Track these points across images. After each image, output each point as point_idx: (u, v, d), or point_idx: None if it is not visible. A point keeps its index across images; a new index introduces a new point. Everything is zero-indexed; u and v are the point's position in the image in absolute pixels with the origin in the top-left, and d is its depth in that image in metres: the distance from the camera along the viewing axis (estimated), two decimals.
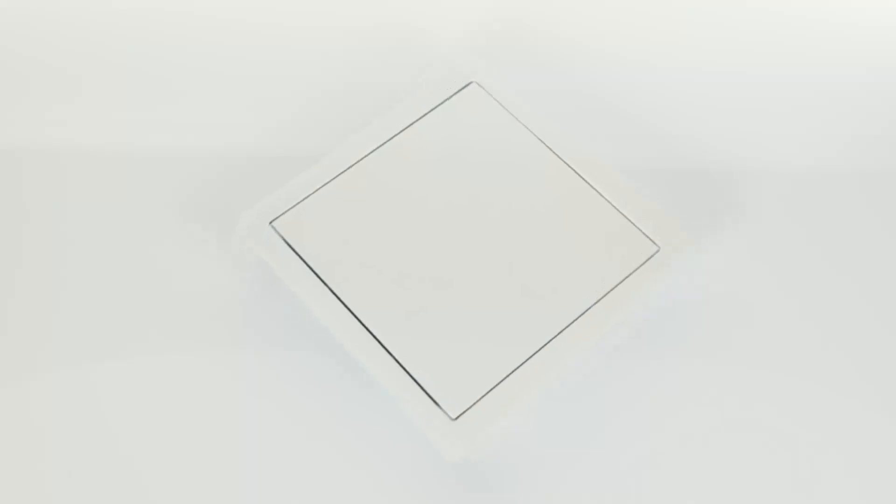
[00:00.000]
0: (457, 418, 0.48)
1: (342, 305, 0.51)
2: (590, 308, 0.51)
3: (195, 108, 0.62)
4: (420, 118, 0.57)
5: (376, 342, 0.50)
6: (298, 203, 0.54)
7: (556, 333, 0.50)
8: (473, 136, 0.56)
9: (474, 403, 0.48)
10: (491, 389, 0.49)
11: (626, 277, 0.52)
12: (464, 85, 0.58)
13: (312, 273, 0.52)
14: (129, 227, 0.57)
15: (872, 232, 0.58)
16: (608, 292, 0.51)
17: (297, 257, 0.52)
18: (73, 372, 0.53)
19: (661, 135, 0.61)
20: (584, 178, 0.54)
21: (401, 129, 0.56)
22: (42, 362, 0.53)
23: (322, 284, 0.52)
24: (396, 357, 0.50)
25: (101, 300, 0.55)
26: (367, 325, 0.50)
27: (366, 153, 0.56)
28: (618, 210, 0.53)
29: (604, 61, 0.64)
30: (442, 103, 0.57)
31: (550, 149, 0.55)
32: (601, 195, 0.54)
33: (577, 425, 0.52)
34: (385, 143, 0.56)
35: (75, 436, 0.51)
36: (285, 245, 0.53)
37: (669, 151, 0.61)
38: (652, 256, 0.52)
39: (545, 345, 0.50)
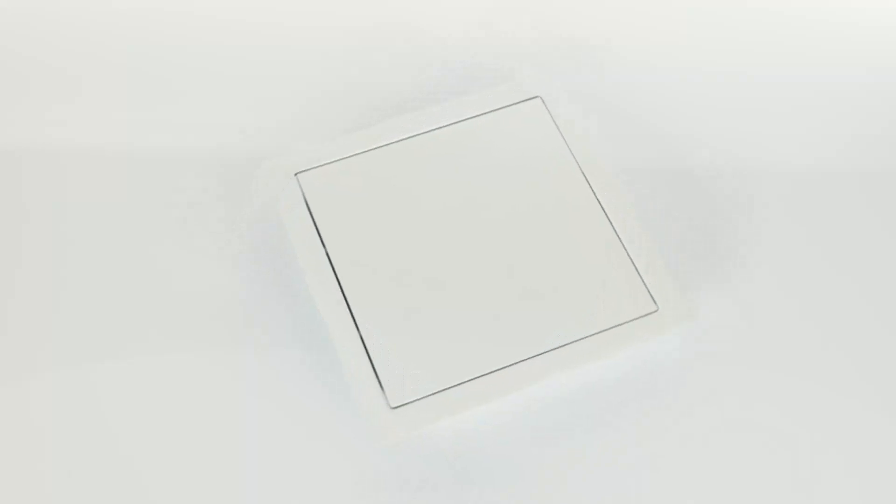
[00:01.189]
0: (395, 408, 0.49)
1: (332, 273, 0.52)
2: (568, 344, 0.50)
3: (195, 108, 0.62)
4: (473, 117, 0.56)
5: (350, 315, 0.51)
6: (327, 164, 0.55)
7: (526, 357, 0.50)
8: (517, 147, 0.55)
9: (418, 399, 0.49)
10: (440, 391, 0.49)
11: (614, 326, 0.51)
12: (528, 97, 0.57)
13: (317, 235, 0.52)
14: (129, 227, 0.57)
15: (872, 232, 0.58)
16: (591, 335, 0.50)
17: (309, 215, 0.53)
18: (73, 372, 0.53)
19: (661, 135, 0.61)
20: (608, 218, 0.53)
21: (450, 122, 0.56)
22: (42, 362, 0.53)
23: (322, 249, 0.52)
24: (362, 334, 0.50)
25: (101, 300, 0.55)
26: (347, 298, 0.51)
27: (407, 135, 0.56)
28: (630, 258, 0.52)
29: (603, 61, 0.64)
30: (500, 109, 0.57)
31: (588, 180, 0.54)
32: (620, 239, 0.53)
33: (577, 425, 0.52)
34: (430, 130, 0.56)
35: (75, 436, 0.51)
36: (302, 200, 0.53)
37: (669, 151, 0.61)
38: (647, 315, 0.51)
39: (511, 365, 0.49)
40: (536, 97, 0.57)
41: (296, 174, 0.55)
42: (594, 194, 0.54)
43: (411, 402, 0.49)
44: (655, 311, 0.51)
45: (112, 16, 0.65)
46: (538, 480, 0.51)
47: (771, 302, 0.56)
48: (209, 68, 0.63)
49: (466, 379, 0.49)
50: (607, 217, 0.53)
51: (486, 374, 0.49)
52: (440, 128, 0.56)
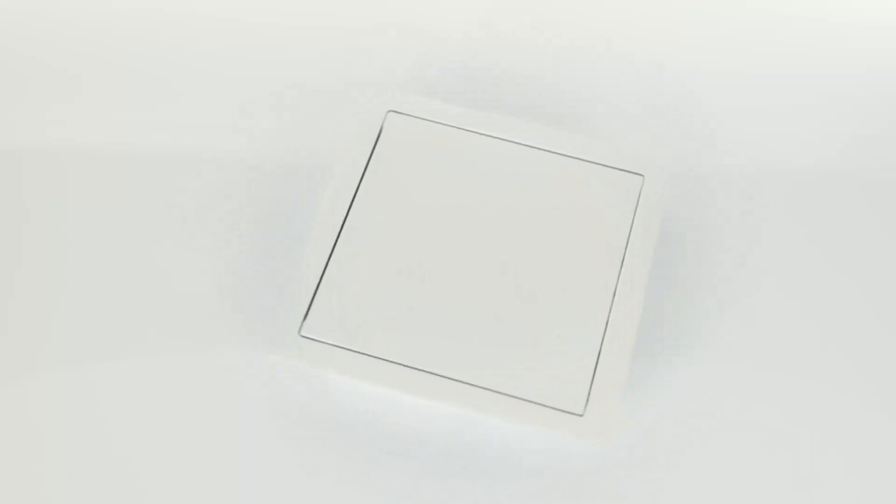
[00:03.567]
0: (302, 337, 0.49)
1: (348, 206, 0.52)
2: (485, 389, 0.48)
3: (195, 108, 0.62)
4: (571, 156, 0.54)
5: (331, 246, 0.51)
6: (420, 118, 0.55)
7: (445, 375, 0.49)
8: (587, 203, 0.53)
9: (326, 343, 0.49)
10: (350, 350, 0.49)
11: (535, 402, 0.48)
12: (633, 171, 0.54)
13: (363, 170, 0.53)
14: (129, 227, 0.57)
15: (872, 232, 0.58)
16: (512, 395, 0.48)
17: (370, 150, 0.54)
18: (73, 372, 0.53)
19: (660, 134, 0.61)
20: (610, 311, 0.50)
21: (549, 148, 0.55)
22: (42, 362, 0.53)
23: (356, 183, 0.53)
24: (328, 265, 0.51)
25: (101, 300, 0.55)
26: (342, 232, 0.52)
27: (504, 137, 0.55)
28: (598, 356, 0.49)
29: (604, 61, 0.64)
30: (601, 164, 0.54)
31: (620, 269, 0.52)
32: (604, 335, 0.50)
33: None
34: (526, 144, 0.55)
35: (75, 436, 0.51)
36: (376, 135, 0.54)
37: (669, 152, 0.61)
38: (568, 413, 0.48)
39: (429, 373, 0.49)
40: (641, 175, 0.54)
41: (388, 111, 0.55)
42: (616, 283, 0.51)
43: (318, 342, 0.49)
44: (579, 416, 0.48)
45: (112, 16, 0.65)
46: (535, 479, 0.51)
47: (771, 302, 0.56)
48: (209, 68, 0.63)
49: (382, 357, 0.49)
50: (610, 309, 0.51)
51: (401, 364, 0.49)
52: (536, 147, 0.55)
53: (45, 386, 0.53)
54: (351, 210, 0.53)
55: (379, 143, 0.54)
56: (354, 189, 0.53)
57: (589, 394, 0.49)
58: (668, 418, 0.52)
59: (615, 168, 0.54)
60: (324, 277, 0.51)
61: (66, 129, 0.61)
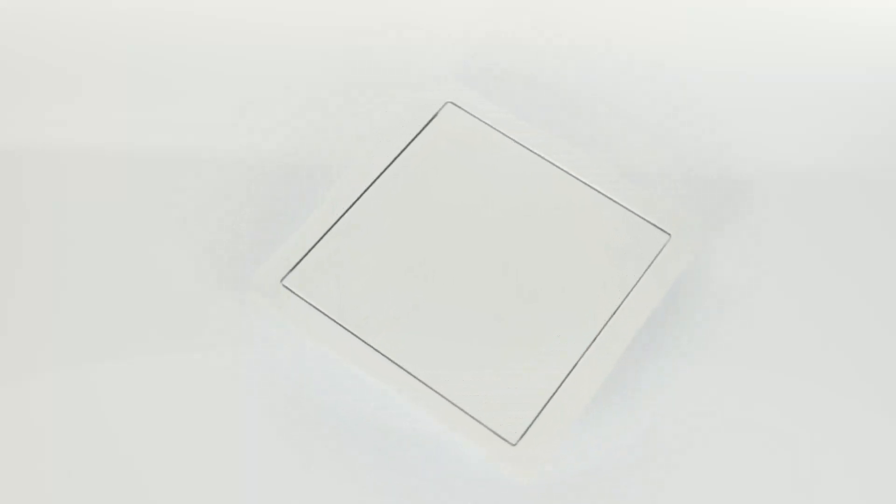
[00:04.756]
0: (284, 287, 0.50)
1: (368, 183, 0.53)
2: (439, 394, 0.48)
3: (195, 108, 0.62)
4: (608, 196, 0.54)
5: (340, 214, 0.52)
6: (475, 117, 0.56)
7: (411, 371, 0.49)
8: (611, 244, 0.53)
9: (306, 303, 0.50)
10: (329, 317, 0.50)
11: (475, 419, 0.47)
12: (663, 228, 0.53)
13: (396, 153, 0.54)
14: (129, 227, 0.57)
15: (872, 232, 0.58)
16: (458, 405, 0.48)
17: (412, 135, 0.55)
18: (73, 372, 0.53)
19: (660, 135, 0.61)
20: (598, 336, 0.50)
21: (592, 183, 0.54)
22: (42, 362, 0.53)
23: (384, 164, 0.54)
24: (330, 232, 0.52)
25: (101, 300, 0.55)
26: (353, 206, 0.53)
27: (550, 158, 0.55)
28: (561, 383, 0.49)
29: (606, 62, 0.64)
30: (635, 213, 0.53)
31: (623, 300, 0.51)
32: (581, 358, 0.49)
33: (577, 424, 0.52)
34: (569, 172, 0.54)
35: (75, 436, 0.51)
36: (423, 122, 0.55)
37: (669, 153, 0.61)
38: (500, 439, 0.47)
39: (398, 365, 0.49)
40: (668, 234, 0.53)
41: (447, 103, 0.56)
42: (602, 327, 0.50)
43: (297, 296, 0.50)
44: (511, 444, 0.47)
45: (112, 16, 0.65)
46: (534, 480, 0.51)
47: (771, 302, 0.56)
48: (209, 68, 0.63)
49: (352, 331, 0.49)
50: (586, 349, 0.50)
51: (367, 343, 0.49)
52: (573, 175, 0.54)
53: (45, 386, 0.52)
54: (371, 188, 0.53)
55: (425, 130, 0.55)
56: (382, 169, 0.54)
57: (530, 426, 0.47)
58: (668, 418, 0.52)
59: (644, 219, 0.54)
60: (322, 241, 0.52)
61: (66, 129, 0.61)
